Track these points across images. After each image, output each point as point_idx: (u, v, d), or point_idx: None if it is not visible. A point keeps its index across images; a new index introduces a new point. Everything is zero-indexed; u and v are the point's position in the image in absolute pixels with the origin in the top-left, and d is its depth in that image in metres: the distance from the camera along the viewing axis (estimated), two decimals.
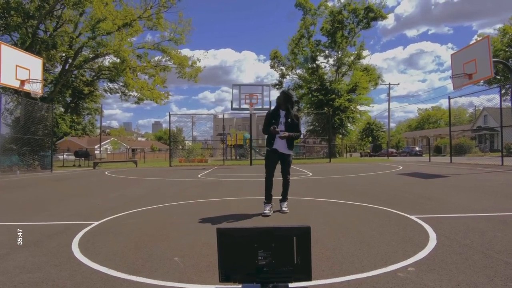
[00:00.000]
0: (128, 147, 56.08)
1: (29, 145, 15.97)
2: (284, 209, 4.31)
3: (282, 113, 4.39)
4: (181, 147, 37.19)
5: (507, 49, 26.77)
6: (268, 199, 4.35)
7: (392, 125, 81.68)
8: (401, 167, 13.68)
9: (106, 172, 13.99)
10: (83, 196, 6.52)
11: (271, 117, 4.40)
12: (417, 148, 39.54)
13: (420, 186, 6.94)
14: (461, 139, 32.03)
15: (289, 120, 4.34)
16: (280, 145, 4.37)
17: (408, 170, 11.87)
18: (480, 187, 6.51)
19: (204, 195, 6.19)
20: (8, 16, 17.06)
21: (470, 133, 38.94)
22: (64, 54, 19.69)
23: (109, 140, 53.82)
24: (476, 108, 53.44)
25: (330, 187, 7.20)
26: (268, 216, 4.12)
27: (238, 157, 32.87)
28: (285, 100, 4.37)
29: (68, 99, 23.24)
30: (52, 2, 17.68)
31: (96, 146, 43.54)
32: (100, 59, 22.02)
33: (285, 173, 4.45)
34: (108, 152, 41.62)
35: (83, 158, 23.82)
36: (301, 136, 4.41)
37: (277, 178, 4.44)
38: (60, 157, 27.97)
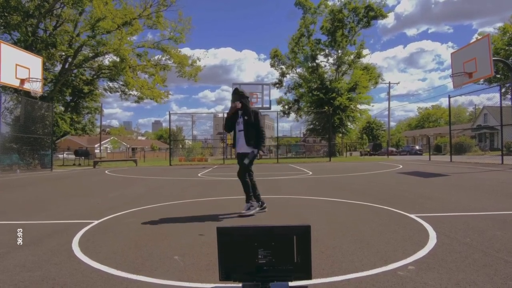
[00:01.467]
0: (128, 146, 56.06)
1: (29, 144, 15.97)
2: (242, 211, 4.15)
3: (240, 112, 4.29)
4: (181, 146, 37.20)
5: (507, 48, 26.71)
6: (247, 198, 4.26)
7: (392, 124, 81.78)
8: (401, 166, 13.68)
9: (106, 171, 13.99)
10: (83, 195, 6.52)
11: (231, 119, 4.33)
12: (417, 147, 39.55)
13: (420, 185, 6.94)
14: (461, 138, 31.99)
15: (246, 117, 4.22)
16: (238, 146, 4.29)
17: (408, 169, 11.87)
18: (480, 186, 6.51)
19: (204, 194, 6.19)
20: (8, 15, 17.02)
21: (470, 132, 38.91)
22: (64, 53, 19.66)
23: (109, 139, 53.77)
24: (476, 107, 53.39)
25: (330, 186, 7.20)
26: (244, 215, 4.04)
27: None
28: (238, 98, 4.25)
29: (68, 98, 23.22)
30: (52, 1, 17.65)
31: (96, 145, 43.53)
32: (100, 58, 21.99)
33: (239, 173, 4.28)
34: (108, 151, 41.66)
35: (83, 157, 23.81)
36: (265, 133, 4.17)
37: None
38: (60, 156, 27.95)
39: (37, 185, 8.59)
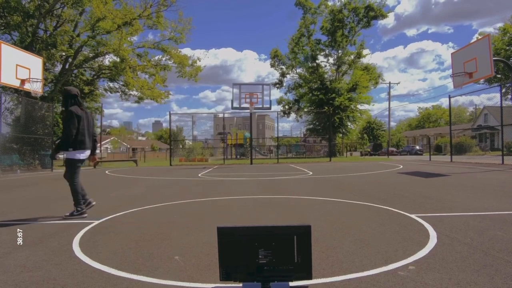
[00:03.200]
0: (129, 146, 56.13)
1: (29, 144, 15.98)
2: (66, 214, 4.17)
3: None
4: (181, 147, 37.16)
5: (507, 48, 26.70)
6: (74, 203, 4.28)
7: (393, 124, 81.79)
8: (401, 166, 13.68)
9: (106, 172, 13.99)
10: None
11: None
12: (417, 147, 39.56)
13: (421, 185, 6.94)
14: (462, 138, 31.99)
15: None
16: None
17: (409, 169, 11.87)
18: (481, 186, 6.50)
19: (205, 194, 6.19)
20: (8, 15, 17.04)
21: (470, 132, 38.91)
22: (64, 53, 19.67)
23: (109, 140, 53.84)
24: (477, 107, 53.45)
25: (330, 186, 7.20)
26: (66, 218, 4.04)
27: (238, 156, 32.89)
28: (63, 98, 4.32)
29: None
30: (52, 1, 17.65)
31: None
32: (100, 58, 22.01)
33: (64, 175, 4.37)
34: (109, 152, 41.63)
35: None
36: (69, 134, 4.36)
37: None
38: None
39: (37, 185, 8.59)
